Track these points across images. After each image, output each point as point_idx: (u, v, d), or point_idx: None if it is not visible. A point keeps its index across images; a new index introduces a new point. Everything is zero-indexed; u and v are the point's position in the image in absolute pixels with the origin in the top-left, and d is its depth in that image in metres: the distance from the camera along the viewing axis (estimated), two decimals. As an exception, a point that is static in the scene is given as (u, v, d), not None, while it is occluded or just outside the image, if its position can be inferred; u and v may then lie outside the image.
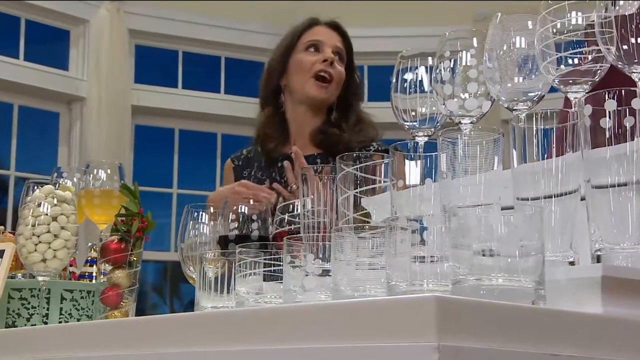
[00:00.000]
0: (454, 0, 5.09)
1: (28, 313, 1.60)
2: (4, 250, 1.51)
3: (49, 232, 1.52)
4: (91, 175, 1.97)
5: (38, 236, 1.52)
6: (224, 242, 1.59)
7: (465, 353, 0.71)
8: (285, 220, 1.54)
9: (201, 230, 1.64)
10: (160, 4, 5.13)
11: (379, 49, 5.37)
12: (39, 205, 1.54)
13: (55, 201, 1.55)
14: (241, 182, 2.19)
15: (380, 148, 2.35)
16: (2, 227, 1.96)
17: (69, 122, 4.94)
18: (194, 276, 1.66)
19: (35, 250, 1.52)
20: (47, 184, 2.01)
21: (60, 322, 1.62)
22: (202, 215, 1.65)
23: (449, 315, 0.70)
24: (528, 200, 1.01)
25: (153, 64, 5.28)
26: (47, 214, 1.53)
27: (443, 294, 0.73)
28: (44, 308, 1.58)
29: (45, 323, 1.57)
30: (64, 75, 4.90)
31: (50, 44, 4.98)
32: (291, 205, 1.55)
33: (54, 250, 1.53)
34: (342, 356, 0.73)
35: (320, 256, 1.04)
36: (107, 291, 1.61)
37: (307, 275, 1.03)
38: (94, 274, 1.90)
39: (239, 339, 0.78)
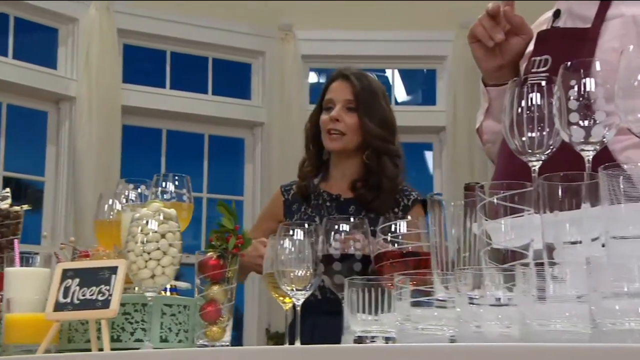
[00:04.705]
0: (439, 1, 5.17)
1: (132, 327, 1.62)
2: (116, 267, 1.52)
3: (158, 249, 1.55)
4: (159, 188, 1.99)
5: (148, 253, 1.54)
6: (327, 260, 1.63)
7: None
8: (388, 240, 1.59)
9: (295, 247, 1.68)
10: (149, 3, 5.10)
11: (365, 52, 5.43)
12: (147, 223, 1.56)
13: (162, 218, 1.57)
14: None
15: (419, 197, 2.61)
16: (72, 238, 1.98)
17: (57, 121, 4.88)
18: (289, 292, 1.70)
19: (146, 266, 1.54)
20: (118, 193, 2.03)
21: (161, 337, 1.64)
22: (297, 232, 1.69)
23: None
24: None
25: (141, 63, 5.25)
26: (156, 232, 1.55)
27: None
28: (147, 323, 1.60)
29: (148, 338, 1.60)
30: (52, 74, 4.84)
31: (39, 42, 4.92)
32: (393, 225, 1.60)
33: (163, 267, 1.55)
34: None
35: (495, 286, 1.09)
36: (206, 307, 1.64)
37: (484, 306, 1.07)
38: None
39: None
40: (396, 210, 2.57)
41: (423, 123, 5.34)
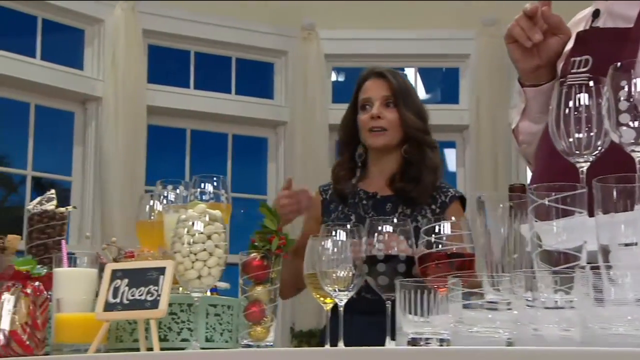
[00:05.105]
0: (461, 0, 5.17)
1: (178, 327, 1.64)
2: (164, 268, 1.54)
3: (204, 250, 1.56)
4: (198, 189, 2.01)
5: (195, 254, 1.56)
6: (371, 261, 1.64)
7: None
8: (433, 241, 1.59)
9: (337, 248, 1.68)
10: (174, 4, 5.13)
11: (388, 51, 5.42)
12: (193, 224, 1.57)
13: (207, 219, 1.59)
14: (283, 194, 2.53)
15: (457, 194, 2.61)
16: (114, 239, 1.99)
17: (84, 121, 4.92)
18: (332, 292, 1.71)
19: (192, 267, 1.55)
20: (152, 192, 2.05)
21: (206, 336, 1.66)
22: (339, 233, 1.70)
23: None
24: None
25: (166, 64, 5.28)
26: (202, 233, 1.57)
27: None
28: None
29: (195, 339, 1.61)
30: (79, 74, 4.88)
31: (65, 43, 4.96)
32: (437, 227, 1.61)
33: (209, 267, 1.57)
34: None
35: (550, 289, 1.10)
36: (250, 307, 1.66)
37: (540, 309, 1.08)
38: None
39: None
40: (433, 207, 2.56)
41: (446, 121, 5.34)
